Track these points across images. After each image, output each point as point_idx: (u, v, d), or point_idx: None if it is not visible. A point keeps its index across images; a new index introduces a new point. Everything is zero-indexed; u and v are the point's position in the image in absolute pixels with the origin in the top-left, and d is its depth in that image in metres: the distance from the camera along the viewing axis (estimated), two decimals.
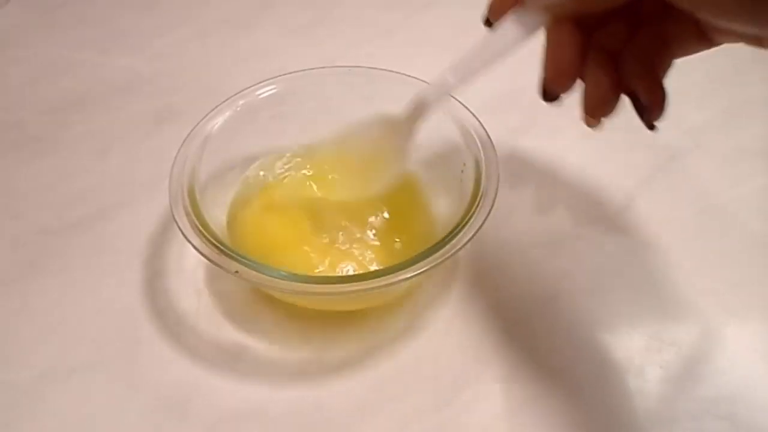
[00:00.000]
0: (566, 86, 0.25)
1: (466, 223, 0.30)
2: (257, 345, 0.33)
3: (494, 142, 0.33)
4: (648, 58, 0.25)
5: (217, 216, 0.33)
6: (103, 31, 0.53)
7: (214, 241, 0.29)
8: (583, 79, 0.25)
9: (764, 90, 0.47)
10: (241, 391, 0.31)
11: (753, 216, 0.39)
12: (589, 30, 0.25)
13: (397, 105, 0.37)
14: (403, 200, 0.35)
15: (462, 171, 0.34)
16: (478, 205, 0.31)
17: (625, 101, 0.25)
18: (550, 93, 0.25)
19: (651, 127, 0.25)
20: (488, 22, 0.27)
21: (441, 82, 0.28)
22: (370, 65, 0.37)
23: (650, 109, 0.25)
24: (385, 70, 0.37)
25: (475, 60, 0.27)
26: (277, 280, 0.28)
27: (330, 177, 0.36)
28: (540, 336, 0.33)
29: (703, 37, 0.24)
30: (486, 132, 0.34)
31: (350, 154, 0.34)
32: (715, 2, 0.19)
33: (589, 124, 0.26)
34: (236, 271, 0.28)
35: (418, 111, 0.30)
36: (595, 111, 0.25)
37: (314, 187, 0.36)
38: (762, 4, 0.18)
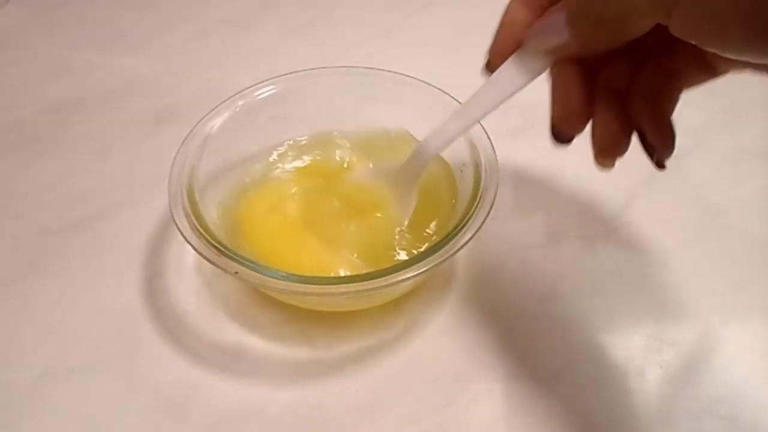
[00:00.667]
0: (577, 127, 0.24)
1: (466, 223, 0.30)
2: (257, 345, 0.33)
3: (493, 143, 0.33)
4: (654, 93, 0.24)
5: (217, 217, 0.33)
6: (103, 31, 0.53)
7: (213, 242, 0.29)
8: (592, 119, 0.24)
9: (764, 90, 0.47)
10: (241, 391, 0.31)
11: (753, 216, 0.39)
12: (594, 69, 0.24)
13: (396, 105, 0.37)
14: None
15: (461, 171, 0.34)
16: (477, 206, 0.31)
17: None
18: (560, 136, 0.25)
19: (661, 165, 0.25)
20: (489, 68, 0.26)
21: (442, 130, 0.28)
22: (370, 65, 0.37)
23: (659, 149, 0.24)
24: (384, 70, 0.37)
25: (477, 107, 0.27)
26: (276, 280, 0.28)
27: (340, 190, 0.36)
28: (540, 336, 0.33)
29: (708, 68, 0.23)
30: (485, 132, 0.34)
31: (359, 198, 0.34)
32: (724, 36, 0.19)
33: (603, 166, 0.25)
34: (236, 272, 0.28)
35: (420, 160, 0.30)
36: (607, 152, 0.24)
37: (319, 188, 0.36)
38: None
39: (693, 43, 0.19)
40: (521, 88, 0.25)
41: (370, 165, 0.36)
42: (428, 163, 0.30)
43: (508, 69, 0.25)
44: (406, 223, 0.33)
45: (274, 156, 0.37)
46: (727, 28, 0.18)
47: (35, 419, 0.30)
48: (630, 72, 0.24)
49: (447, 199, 0.34)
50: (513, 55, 0.25)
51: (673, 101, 0.24)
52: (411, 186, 0.32)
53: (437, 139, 0.29)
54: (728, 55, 0.20)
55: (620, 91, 0.24)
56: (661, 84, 0.24)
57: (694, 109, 0.45)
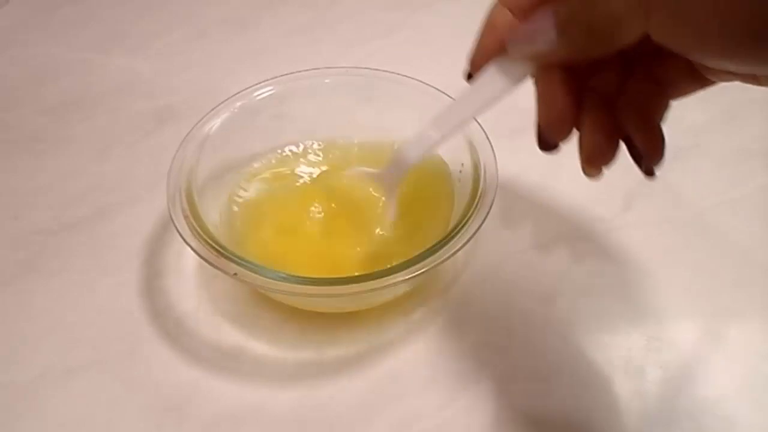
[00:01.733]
0: (563, 134, 0.24)
1: (465, 223, 0.30)
2: (256, 345, 0.33)
3: (492, 143, 0.33)
4: (643, 102, 0.24)
5: (216, 218, 0.33)
6: (103, 31, 0.53)
7: (212, 244, 0.29)
8: (578, 127, 0.24)
9: (764, 90, 0.46)
10: (240, 392, 0.31)
11: (753, 216, 0.39)
12: (581, 75, 0.23)
13: (396, 106, 0.37)
14: (402, 199, 0.35)
15: (460, 171, 0.34)
16: (476, 206, 0.31)
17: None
18: (546, 142, 0.24)
19: (650, 173, 0.24)
20: (470, 76, 0.25)
21: (423, 137, 0.28)
22: (370, 65, 0.37)
23: (647, 156, 0.24)
24: (384, 70, 0.37)
25: (457, 114, 0.26)
26: (275, 281, 0.28)
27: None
28: (539, 336, 0.33)
29: (697, 77, 0.23)
30: (484, 132, 0.34)
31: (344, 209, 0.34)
32: (702, 44, 0.18)
33: (589, 174, 0.24)
34: (235, 273, 0.28)
35: (400, 167, 0.29)
36: (594, 160, 0.24)
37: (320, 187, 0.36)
38: (760, 43, 0.17)
39: (673, 50, 0.19)
40: (504, 94, 0.24)
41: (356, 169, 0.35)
42: (407, 171, 0.29)
43: (491, 75, 0.24)
44: (388, 226, 0.33)
45: (274, 157, 0.37)
46: (704, 36, 0.18)
47: (35, 419, 0.30)
48: (619, 79, 0.24)
49: (445, 204, 0.34)
50: (495, 61, 0.24)
51: (662, 110, 0.24)
52: (390, 194, 0.31)
53: (416, 146, 0.28)
54: (709, 64, 0.20)
55: (608, 98, 0.24)
56: (650, 93, 0.24)
57: (694, 109, 0.45)
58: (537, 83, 0.24)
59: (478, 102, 0.25)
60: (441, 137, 0.27)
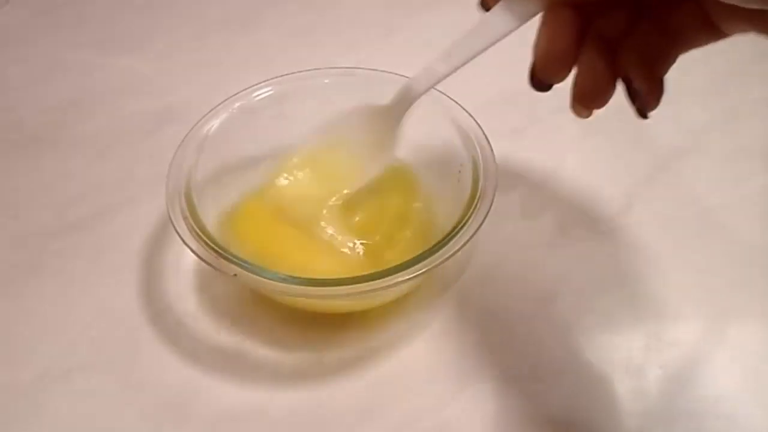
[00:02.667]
0: (558, 75, 0.23)
1: (465, 224, 0.30)
2: (256, 346, 0.33)
3: (492, 143, 0.33)
4: (649, 50, 0.23)
5: (215, 218, 0.33)
6: (103, 31, 0.53)
7: (212, 245, 0.29)
8: (577, 65, 0.23)
9: (764, 90, 0.47)
10: (240, 392, 0.31)
11: (753, 216, 0.39)
12: (589, 17, 0.23)
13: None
14: (401, 200, 0.35)
15: (460, 172, 0.34)
16: (476, 206, 0.31)
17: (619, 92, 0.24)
18: (540, 80, 0.24)
19: (643, 115, 0.23)
20: (484, 5, 0.25)
21: (430, 70, 0.27)
22: (370, 66, 0.37)
23: (644, 97, 0.23)
24: (384, 71, 0.37)
25: (465, 48, 0.26)
26: (275, 282, 0.28)
27: (325, 172, 0.35)
28: (539, 336, 0.33)
29: (711, 28, 0.22)
30: (483, 132, 0.34)
31: (339, 145, 0.33)
32: None
33: (579, 114, 0.24)
34: (234, 275, 0.28)
35: (407, 99, 0.29)
36: (586, 99, 0.23)
37: (312, 187, 0.36)
38: None
39: None
40: (512, 30, 0.24)
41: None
42: (415, 101, 0.29)
43: (499, 10, 0.24)
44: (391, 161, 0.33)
45: (273, 159, 0.37)
46: None
47: (35, 419, 0.30)
48: (627, 24, 0.23)
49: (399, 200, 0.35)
50: None
51: (668, 62, 0.23)
52: (396, 125, 0.31)
53: (425, 78, 0.28)
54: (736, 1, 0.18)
55: (611, 42, 0.23)
56: (658, 42, 0.23)
57: (694, 109, 0.45)
58: (543, 19, 0.23)
59: (486, 37, 0.25)
60: (448, 70, 0.27)
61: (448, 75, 0.27)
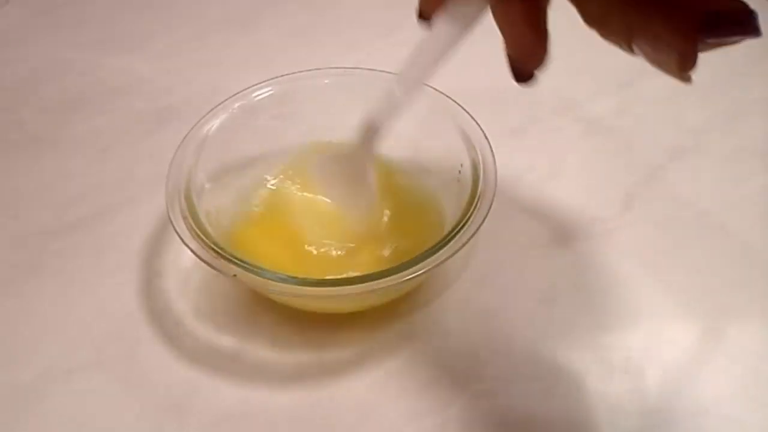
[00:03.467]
0: (537, 62, 0.22)
1: (464, 224, 0.30)
2: (256, 346, 0.33)
3: (492, 143, 0.33)
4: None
5: (215, 219, 0.33)
6: (103, 31, 0.53)
7: (212, 245, 0.29)
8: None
9: (764, 90, 0.47)
10: (240, 392, 0.31)
11: (753, 216, 0.39)
12: None
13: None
14: (402, 203, 0.35)
15: (459, 172, 0.34)
16: (476, 207, 0.31)
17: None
18: (521, 74, 0.23)
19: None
20: (422, 17, 0.24)
21: (388, 97, 0.27)
22: (370, 66, 0.37)
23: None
24: (384, 71, 0.37)
25: (417, 68, 0.25)
26: (274, 283, 0.28)
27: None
28: (539, 336, 0.33)
29: None
30: (483, 132, 0.34)
31: (324, 201, 0.33)
32: None
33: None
34: (234, 275, 0.28)
35: (371, 132, 0.29)
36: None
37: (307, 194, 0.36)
38: None
39: None
40: (461, 37, 0.23)
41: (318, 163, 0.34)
42: (380, 134, 0.29)
43: (443, 21, 0.23)
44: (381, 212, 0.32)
45: (272, 158, 0.37)
46: None
47: (35, 419, 0.30)
48: None
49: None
50: (446, 3, 0.23)
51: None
52: (367, 160, 0.30)
53: (384, 109, 0.27)
54: None
55: None
56: None
57: (694, 109, 0.45)
58: (495, 15, 0.22)
59: (437, 51, 0.24)
60: (406, 94, 0.26)
61: (407, 98, 0.26)
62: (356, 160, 0.31)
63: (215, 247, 0.29)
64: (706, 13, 0.18)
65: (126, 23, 0.54)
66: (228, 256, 0.29)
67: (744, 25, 0.18)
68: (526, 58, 0.22)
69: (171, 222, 0.30)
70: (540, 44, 0.21)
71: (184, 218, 0.30)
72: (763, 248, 0.37)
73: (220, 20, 0.54)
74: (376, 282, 0.28)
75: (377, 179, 0.32)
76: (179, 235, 0.30)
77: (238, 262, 0.29)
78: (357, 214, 0.33)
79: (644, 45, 0.19)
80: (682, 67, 0.19)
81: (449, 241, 0.29)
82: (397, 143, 0.36)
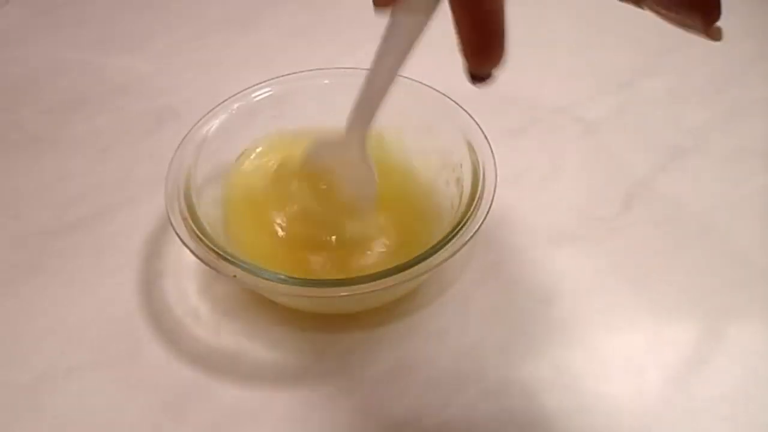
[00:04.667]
0: (493, 60, 0.21)
1: (465, 224, 0.30)
2: (256, 346, 0.33)
3: (491, 143, 0.33)
4: None
5: (215, 219, 0.33)
6: (103, 31, 0.53)
7: (211, 246, 0.29)
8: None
9: (765, 90, 0.47)
10: (240, 392, 0.31)
11: (753, 216, 0.39)
12: None
13: (395, 107, 0.36)
14: (402, 203, 0.35)
15: (460, 172, 0.34)
16: (476, 206, 0.31)
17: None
18: (477, 74, 0.22)
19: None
20: (377, 4, 0.23)
21: (359, 101, 0.27)
22: (370, 66, 0.37)
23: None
24: None
25: (383, 68, 0.25)
26: (274, 283, 0.28)
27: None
28: (539, 336, 0.33)
29: None
30: (483, 132, 0.34)
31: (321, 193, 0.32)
32: None
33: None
34: (234, 275, 0.28)
35: (358, 134, 0.29)
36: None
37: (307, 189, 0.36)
38: None
39: None
40: (420, 30, 0.22)
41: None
42: (367, 132, 0.29)
43: (398, 16, 0.22)
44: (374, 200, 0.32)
45: (271, 159, 0.37)
46: None
47: (35, 419, 0.30)
48: None
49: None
50: None
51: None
52: (362, 148, 0.30)
53: (358, 113, 0.28)
54: None
55: None
56: None
57: (694, 109, 0.45)
58: (451, 5, 0.21)
59: (399, 46, 0.24)
60: (375, 95, 0.26)
61: (378, 100, 0.26)
62: (350, 151, 0.30)
63: (215, 248, 0.29)
64: None
65: (126, 23, 0.54)
66: (228, 256, 0.29)
67: None
68: (483, 56, 0.21)
69: (170, 222, 0.30)
70: (495, 38, 0.20)
71: (184, 219, 0.30)
72: (762, 248, 0.37)
73: (220, 20, 0.54)
74: (376, 282, 0.28)
75: (377, 180, 0.32)
76: (179, 236, 0.30)
77: (238, 262, 0.29)
78: (355, 201, 0.33)
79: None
80: (706, 17, 0.18)
81: (449, 241, 0.29)
82: (397, 143, 0.36)
